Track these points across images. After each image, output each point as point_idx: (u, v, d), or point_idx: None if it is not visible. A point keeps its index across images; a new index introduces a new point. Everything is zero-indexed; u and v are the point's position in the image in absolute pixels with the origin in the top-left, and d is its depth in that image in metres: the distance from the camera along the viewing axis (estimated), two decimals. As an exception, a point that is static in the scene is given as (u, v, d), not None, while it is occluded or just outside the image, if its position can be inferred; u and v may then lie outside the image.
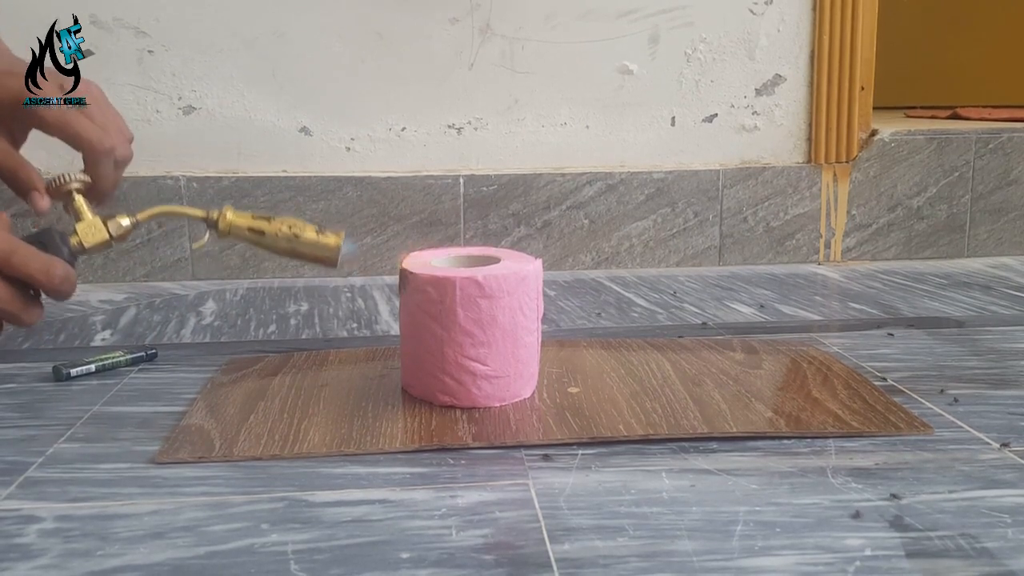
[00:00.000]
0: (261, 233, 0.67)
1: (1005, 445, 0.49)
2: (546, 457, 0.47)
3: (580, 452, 0.48)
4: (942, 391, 0.58)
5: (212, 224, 0.68)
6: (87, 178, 0.66)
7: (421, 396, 0.55)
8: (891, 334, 0.72)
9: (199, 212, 0.68)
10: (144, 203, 0.92)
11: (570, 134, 1.01)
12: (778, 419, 0.52)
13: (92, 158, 0.66)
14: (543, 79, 1.00)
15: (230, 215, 0.67)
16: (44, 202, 0.67)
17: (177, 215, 0.70)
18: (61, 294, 0.62)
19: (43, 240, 0.63)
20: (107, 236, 0.66)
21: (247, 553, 0.37)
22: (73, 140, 0.65)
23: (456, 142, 0.99)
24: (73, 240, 0.65)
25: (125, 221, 0.67)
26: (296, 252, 0.67)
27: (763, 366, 0.63)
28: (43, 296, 0.63)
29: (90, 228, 0.66)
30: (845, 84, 1.04)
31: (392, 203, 0.97)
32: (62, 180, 0.65)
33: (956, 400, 0.56)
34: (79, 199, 0.66)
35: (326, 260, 0.67)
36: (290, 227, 0.67)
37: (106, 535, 0.39)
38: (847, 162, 1.05)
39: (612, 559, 0.37)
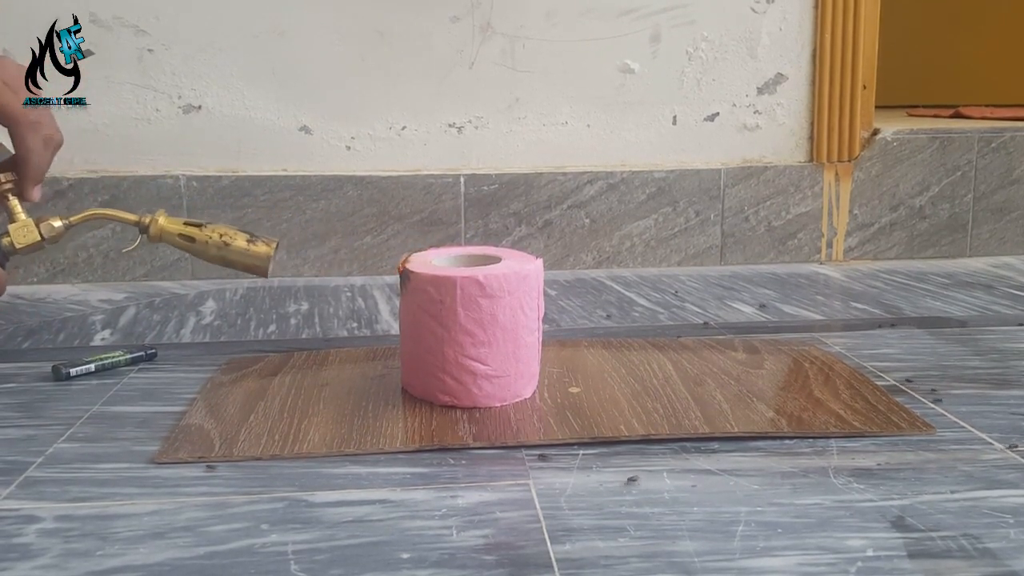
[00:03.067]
0: (191, 240, 0.67)
1: (1013, 447, 0.48)
2: (547, 457, 0.47)
3: (581, 452, 0.48)
4: (932, 390, 0.58)
5: (144, 229, 0.68)
6: (15, 176, 0.65)
7: (421, 396, 0.55)
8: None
9: (131, 217, 0.68)
10: (144, 202, 0.92)
11: (571, 133, 1.01)
12: (780, 419, 0.52)
13: (15, 130, 0.63)
14: (544, 78, 1.00)
15: (162, 220, 0.67)
16: None
17: (110, 219, 0.69)
18: None
19: None
20: (39, 237, 0.66)
21: (247, 553, 0.37)
22: None
23: (456, 141, 0.99)
24: (4, 241, 0.65)
25: (57, 223, 0.67)
26: (227, 260, 0.67)
27: (765, 366, 0.62)
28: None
29: (22, 229, 0.65)
30: (847, 83, 1.03)
31: (392, 202, 0.97)
32: None
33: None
34: (12, 200, 0.66)
35: (256, 269, 0.68)
36: (221, 235, 0.67)
37: (106, 535, 0.39)
38: (849, 161, 1.04)
39: (613, 559, 0.37)
